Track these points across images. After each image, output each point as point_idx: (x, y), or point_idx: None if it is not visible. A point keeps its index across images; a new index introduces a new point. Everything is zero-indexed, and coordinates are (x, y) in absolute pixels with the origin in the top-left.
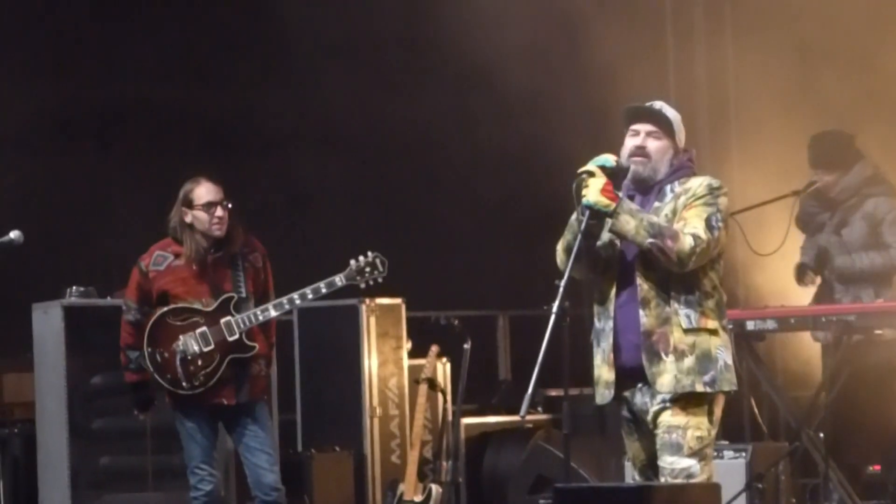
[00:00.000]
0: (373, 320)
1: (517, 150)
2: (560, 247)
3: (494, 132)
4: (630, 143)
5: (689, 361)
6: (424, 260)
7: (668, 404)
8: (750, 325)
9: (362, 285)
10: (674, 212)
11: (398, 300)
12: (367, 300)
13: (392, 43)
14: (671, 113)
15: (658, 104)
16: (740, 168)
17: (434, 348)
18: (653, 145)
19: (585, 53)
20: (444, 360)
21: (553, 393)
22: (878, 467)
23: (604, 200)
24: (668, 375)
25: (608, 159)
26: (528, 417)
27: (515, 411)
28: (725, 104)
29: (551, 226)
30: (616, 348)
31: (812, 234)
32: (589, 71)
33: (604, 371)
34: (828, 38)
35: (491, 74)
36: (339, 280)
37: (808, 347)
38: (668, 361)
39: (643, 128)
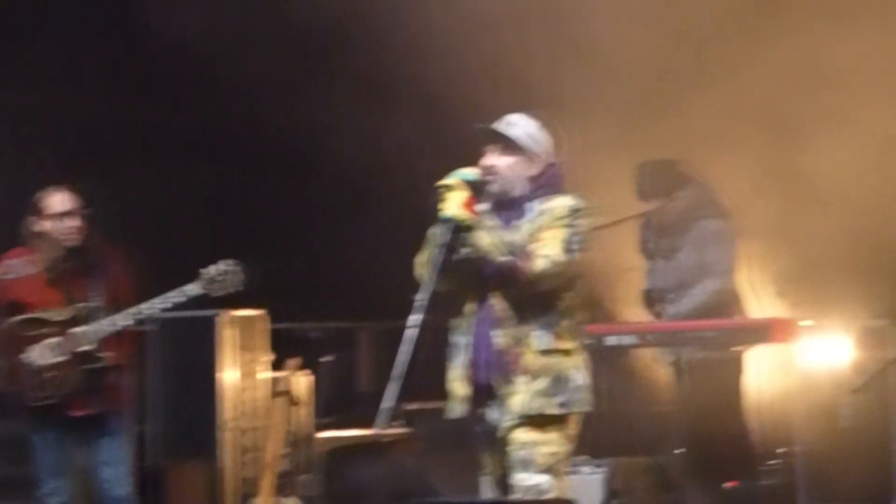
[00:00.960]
0: (232, 332)
1: (391, 156)
2: (420, 259)
3: (364, 138)
4: (482, 161)
5: (541, 383)
6: (286, 271)
7: (520, 421)
8: (610, 341)
9: (217, 294)
10: (533, 231)
11: (260, 311)
12: (226, 312)
13: (258, 46)
14: (522, 128)
15: (514, 117)
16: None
17: (294, 361)
18: (502, 163)
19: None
20: (305, 372)
21: (413, 407)
22: (735, 483)
23: (462, 214)
24: (519, 396)
25: (469, 172)
26: (387, 431)
27: (373, 424)
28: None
29: (412, 239)
30: (472, 364)
31: (647, 260)
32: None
33: (458, 386)
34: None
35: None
36: (190, 289)
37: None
38: (520, 382)
39: (493, 147)
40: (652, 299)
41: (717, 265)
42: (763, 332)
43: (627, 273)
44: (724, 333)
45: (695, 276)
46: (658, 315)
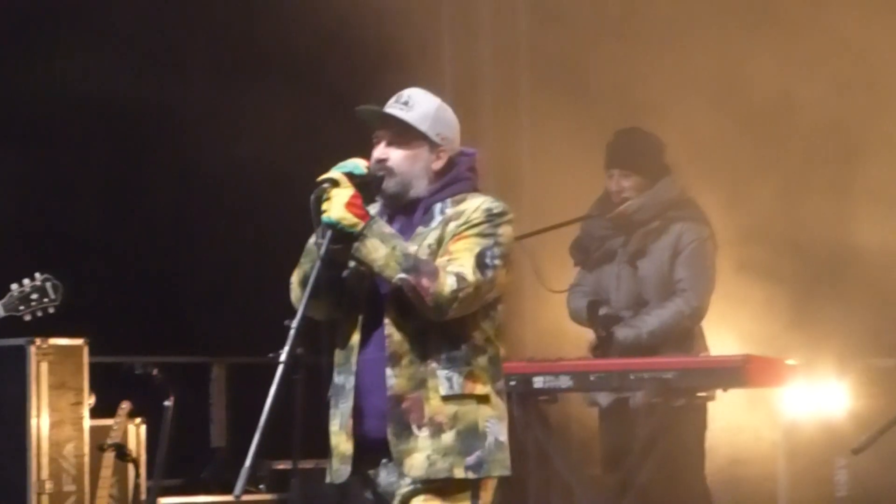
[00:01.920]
0: (45, 367)
1: (255, 145)
2: (295, 278)
3: (224, 120)
4: (374, 152)
5: (448, 438)
6: (116, 291)
7: (420, 486)
8: (538, 383)
9: (27, 317)
10: (439, 241)
11: (79, 341)
12: (39, 340)
13: None
14: (422, 109)
15: (412, 94)
16: (534, 180)
17: (125, 405)
18: (396, 155)
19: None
20: (139, 420)
21: (281, 466)
22: None
23: (349, 218)
24: (419, 455)
25: (357, 165)
26: (247, 497)
27: (230, 488)
28: (515, 82)
29: (284, 252)
30: (357, 413)
31: (594, 268)
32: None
33: (341, 441)
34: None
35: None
36: None
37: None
38: (422, 437)
39: (384, 134)
40: (598, 315)
41: (691, 282)
42: (737, 373)
43: (563, 294)
44: (687, 374)
45: (658, 293)
46: (604, 338)
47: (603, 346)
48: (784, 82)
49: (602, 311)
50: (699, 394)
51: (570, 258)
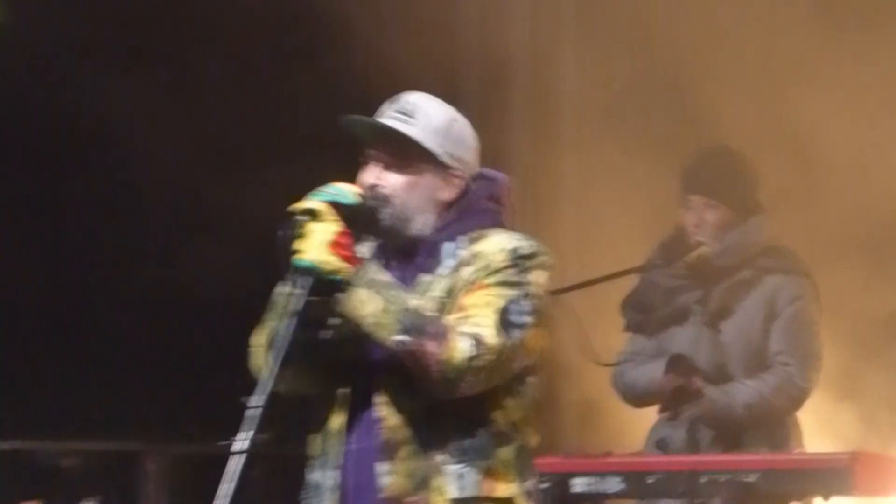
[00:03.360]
0: None
1: (205, 156)
2: (258, 340)
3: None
4: (363, 176)
5: None
6: (17, 356)
7: None
8: (579, 485)
9: None
10: (450, 292)
11: None
12: None
13: None
14: (428, 121)
15: (416, 101)
16: (578, 219)
17: None
18: (394, 181)
19: None
20: None
21: None
22: None
23: (332, 262)
24: None
25: (345, 192)
26: None
27: None
28: (556, 91)
29: (243, 307)
30: None
31: (658, 330)
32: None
33: None
34: None
35: None
36: None
37: None
38: None
39: (378, 152)
40: (692, 369)
41: (794, 355)
42: (843, 475)
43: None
44: (777, 477)
45: (746, 365)
46: (684, 393)
47: (684, 400)
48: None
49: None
50: (792, 503)
51: (621, 320)
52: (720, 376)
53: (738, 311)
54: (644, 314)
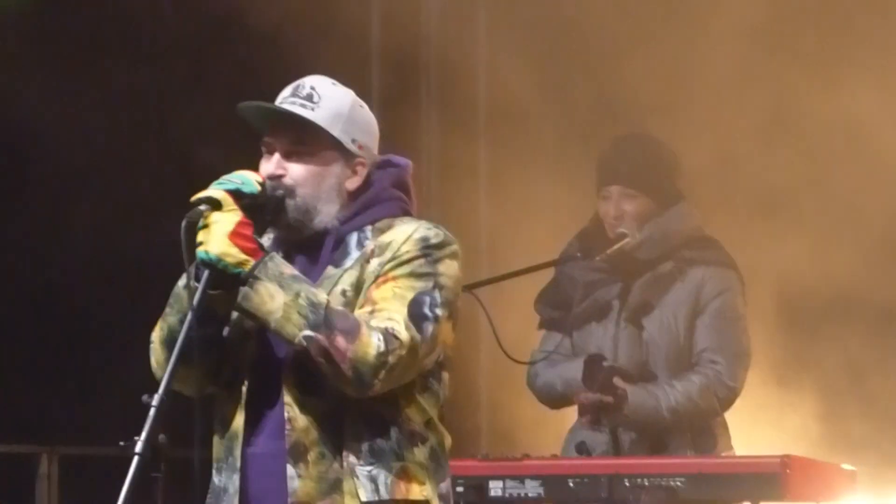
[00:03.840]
0: None
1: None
2: (157, 335)
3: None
4: (263, 167)
5: None
6: None
7: None
8: (495, 489)
9: None
10: (357, 285)
11: None
12: None
13: None
14: (330, 107)
15: (308, 86)
16: (493, 210)
17: None
18: (296, 170)
19: None
20: None
21: None
22: None
23: (234, 254)
24: None
25: (247, 180)
26: None
27: None
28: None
29: (142, 301)
30: None
31: (577, 327)
32: None
33: None
34: None
35: None
36: None
37: None
38: None
39: (278, 140)
40: (600, 369)
41: (722, 352)
42: (773, 480)
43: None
44: (703, 481)
45: (671, 363)
46: (608, 403)
47: (605, 412)
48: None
49: (605, 364)
50: None
51: (536, 319)
52: (642, 375)
53: (661, 306)
54: (560, 310)
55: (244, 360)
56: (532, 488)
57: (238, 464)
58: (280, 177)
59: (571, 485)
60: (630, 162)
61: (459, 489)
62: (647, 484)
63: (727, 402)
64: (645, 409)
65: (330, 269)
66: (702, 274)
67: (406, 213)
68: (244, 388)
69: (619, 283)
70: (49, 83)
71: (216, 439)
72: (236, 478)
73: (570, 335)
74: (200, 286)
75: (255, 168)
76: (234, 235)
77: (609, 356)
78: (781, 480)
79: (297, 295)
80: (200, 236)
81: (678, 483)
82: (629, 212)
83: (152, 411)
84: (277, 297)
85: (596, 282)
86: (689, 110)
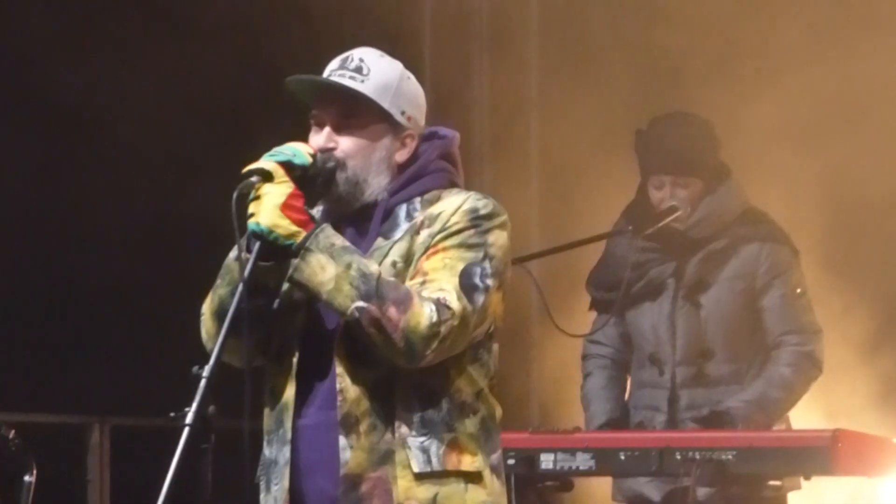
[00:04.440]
0: None
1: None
2: (208, 307)
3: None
4: (313, 140)
5: None
6: None
7: None
8: (546, 462)
9: None
10: (407, 257)
11: None
12: None
13: None
14: (379, 79)
15: (357, 58)
16: (545, 179)
17: None
18: (347, 143)
19: None
20: None
21: None
22: None
23: (285, 225)
24: None
25: (298, 152)
26: None
27: None
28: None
29: (193, 274)
30: (297, 498)
31: (629, 307)
32: None
33: None
34: None
35: None
36: None
37: None
38: None
39: (327, 113)
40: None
41: (797, 331)
42: (823, 454)
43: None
44: (752, 456)
45: (729, 341)
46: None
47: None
48: None
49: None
50: (770, 482)
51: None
52: (701, 355)
53: (717, 283)
54: (610, 292)
55: (294, 331)
56: (583, 461)
57: (289, 436)
58: (331, 149)
59: (622, 458)
60: (678, 148)
61: (510, 462)
62: (698, 457)
63: (814, 381)
64: (748, 414)
65: (379, 241)
66: (756, 250)
67: (453, 184)
68: (294, 360)
69: (672, 261)
70: (107, 59)
71: (266, 411)
72: (287, 450)
73: (621, 316)
74: (251, 258)
75: (306, 141)
76: (286, 207)
77: (665, 335)
78: (832, 454)
79: (349, 266)
80: (252, 208)
81: (729, 457)
82: (684, 198)
83: (203, 382)
84: (329, 268)
85: (648, 261)
86: (743, 78)
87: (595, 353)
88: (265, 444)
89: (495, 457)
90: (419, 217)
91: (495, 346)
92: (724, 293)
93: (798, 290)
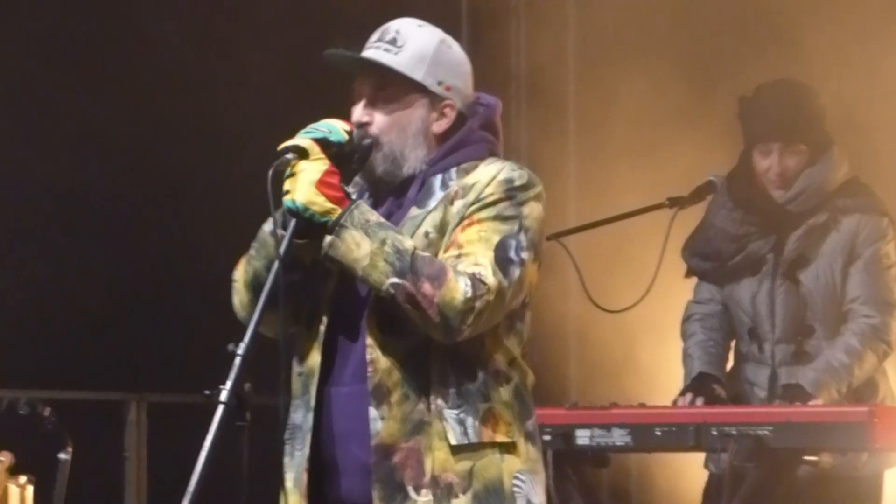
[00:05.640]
0: None
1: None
2: (241, 275)
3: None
4: (353, 112)
5: None
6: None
7: None
8: (583, 438)
9: None
10: (440, 227)
11: None
12: None
13: None
14: (414, 50)
15: (393, 30)
16: (580, 147)
17: (4, 458)
18: (381, 119)
19: None
20: (24, 479)
21: None
22: None
23: (321, 202)
24: None
25: (334, 128)
26: None
27: None
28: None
29: (226, 251)
30: (328, 467)
31: (727, 281)
32: None
33: (295, 502)
34: None
35: None
36: None
37: (691, 479)
38: (422, 503)
39: (365, 87)
40: (710, 386)
41: (870, 301)
42: (861, 430)
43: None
44: (791, 430)
45: (828, 316)
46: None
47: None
48: None
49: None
50: (807, 457)
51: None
52: (800, 331)
53: (817, 259)
54: (710, 262)
55: (324, 298)
56: (619, 437)
57: (313, 402)
58: (366, 124)
59: (659, 433)
60: (788, 114)
61: (547, 437)
62: (734, 433)
63: (885, 356)
64: (823, 385)
65: (413, 210)
66: (857, 222)
67: (493, 153)
68: (322, 327)
69: (772, 235)
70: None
71: (294, 376)
72: (310, 416)
73: (721, 286)
74: (287, 235)
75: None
76: (321, 184)
77: (765, 311)
78: (868, 430)
79: (384, 242)
80: (287, 185)
81: (766, 432)
82: (792, 167)
83: (238, 360)
84: (363, 245)
85: (748, 234)
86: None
87: (699, 312)
88: (292, 408)
89: (530, 423)
90: (453, 187)
91: (528, 314)
92: (824, 269)
93: (886, 261)
